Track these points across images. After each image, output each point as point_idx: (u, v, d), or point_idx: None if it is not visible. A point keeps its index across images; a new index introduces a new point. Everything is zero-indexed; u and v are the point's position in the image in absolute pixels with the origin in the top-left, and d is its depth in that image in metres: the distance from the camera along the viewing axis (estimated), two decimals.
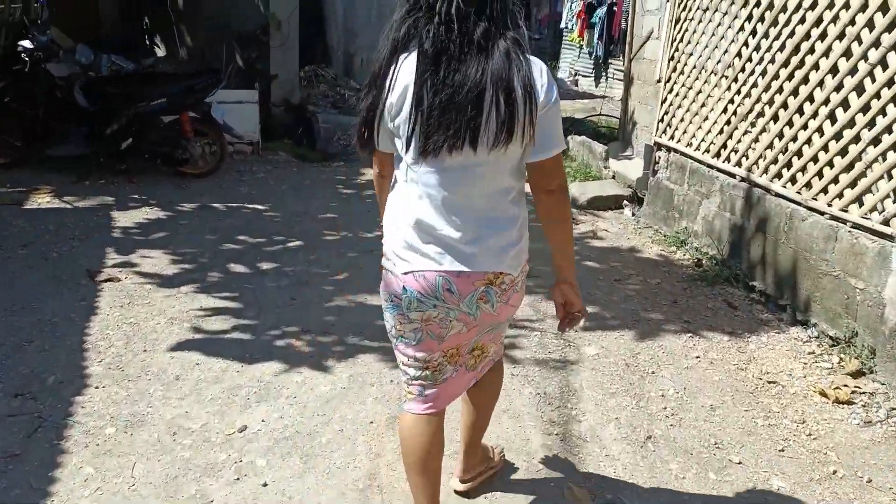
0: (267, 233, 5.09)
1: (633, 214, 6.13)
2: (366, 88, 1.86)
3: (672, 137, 5.48)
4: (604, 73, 13.62)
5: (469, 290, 1.90)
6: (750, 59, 4.55)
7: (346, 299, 4.06)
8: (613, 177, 6.70)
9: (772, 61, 4.32)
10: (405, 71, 1.79)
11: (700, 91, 5.11)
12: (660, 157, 5.72)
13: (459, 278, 1.88)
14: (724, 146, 4.82)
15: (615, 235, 5.54)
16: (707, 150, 5.03)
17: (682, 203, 5.32)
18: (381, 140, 1.91)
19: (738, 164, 4.67)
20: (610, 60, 12.17)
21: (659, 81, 7.19)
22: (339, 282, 4.29)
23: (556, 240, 2.00)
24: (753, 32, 4.51)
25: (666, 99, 5.60)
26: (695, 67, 5.19)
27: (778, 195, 4.28)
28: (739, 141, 4.66)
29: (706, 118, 5.05)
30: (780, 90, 4.25)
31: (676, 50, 5.43)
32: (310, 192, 6.21)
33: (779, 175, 4.28)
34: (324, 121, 8.38)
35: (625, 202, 6.29)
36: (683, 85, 5.33)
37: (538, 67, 1.80)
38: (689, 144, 5.24)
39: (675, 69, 5.47)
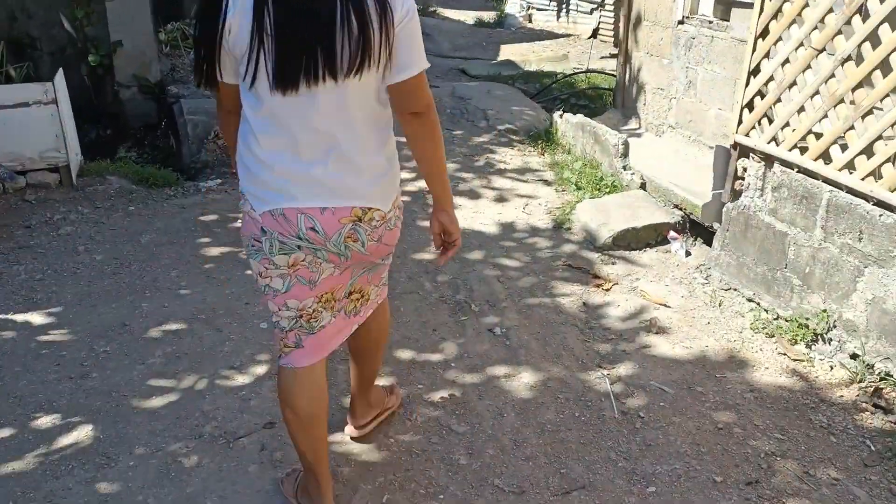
0: (22, 405, 2.50)
1: (688, 254, 3.75)
2: (199, 10, 1.60)
3: (775, 140, 3.06)
4: (564, 6, 11.02)
5: (335, 227, 1.70)
6: None
7: None
8: (643, 185, 4.26)
9: None
10: None
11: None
12: (747, 170, 3.30)
13: (323, 215, 1.68)
14: None
15: (683, 315, 3.15)
16: (874, 174, 2.63)
17: (808, 261, 2.94)
18: (224, 71, 1.63)
19: None
20: None
21: (681, 23, 4.76)
22: None
23: (428, 165, 1.80)
24: None
25: (759, 69, 3.14)
26: (830, 11, 2.74)
27: None
28: None
29: (870, 112, 2.63)
30: None
31: None
32: (147, 264, 3.56)
33: None
34: (191, 110, 5.62)
35: (671, 233, 3.89)
36: (802, 45, 2.88)
37: None
38: (825, 158, 2.83)
39: (777, 14, 3.00)
